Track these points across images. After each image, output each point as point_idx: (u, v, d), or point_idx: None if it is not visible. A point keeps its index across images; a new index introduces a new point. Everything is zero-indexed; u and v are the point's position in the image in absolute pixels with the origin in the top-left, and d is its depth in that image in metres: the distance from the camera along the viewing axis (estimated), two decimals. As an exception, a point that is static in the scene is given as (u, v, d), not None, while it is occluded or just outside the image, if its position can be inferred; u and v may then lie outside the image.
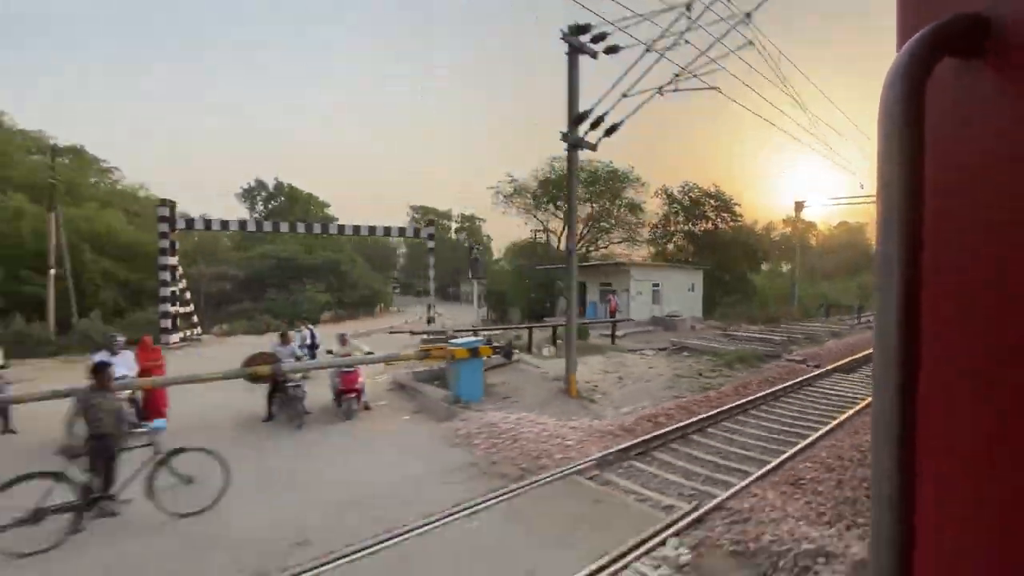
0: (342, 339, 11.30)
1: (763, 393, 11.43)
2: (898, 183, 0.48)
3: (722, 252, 36.57)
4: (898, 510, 0.48)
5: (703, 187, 38.71)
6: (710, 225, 38.35)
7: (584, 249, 37.02)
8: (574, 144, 11.43)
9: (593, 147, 11.62)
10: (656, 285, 29.71)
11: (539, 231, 40.29)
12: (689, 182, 38.86)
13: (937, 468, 0.55)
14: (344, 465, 7.32)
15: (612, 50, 11.36)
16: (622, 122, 11.48)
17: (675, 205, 38.87)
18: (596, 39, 11.36)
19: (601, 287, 29.92)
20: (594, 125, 11.34)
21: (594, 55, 11.51)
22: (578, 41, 11.30)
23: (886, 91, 0.50)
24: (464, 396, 10.42)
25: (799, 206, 37.34)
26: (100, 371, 5.62)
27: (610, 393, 11.81)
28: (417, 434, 8.85)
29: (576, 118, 11.29)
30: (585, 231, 37.45)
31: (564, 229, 33.35)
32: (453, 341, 11.46)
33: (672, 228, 39.55)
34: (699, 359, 16.76)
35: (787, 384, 12.42)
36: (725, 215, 38.74)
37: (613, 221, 38.47)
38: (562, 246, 34.47)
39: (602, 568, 4.57)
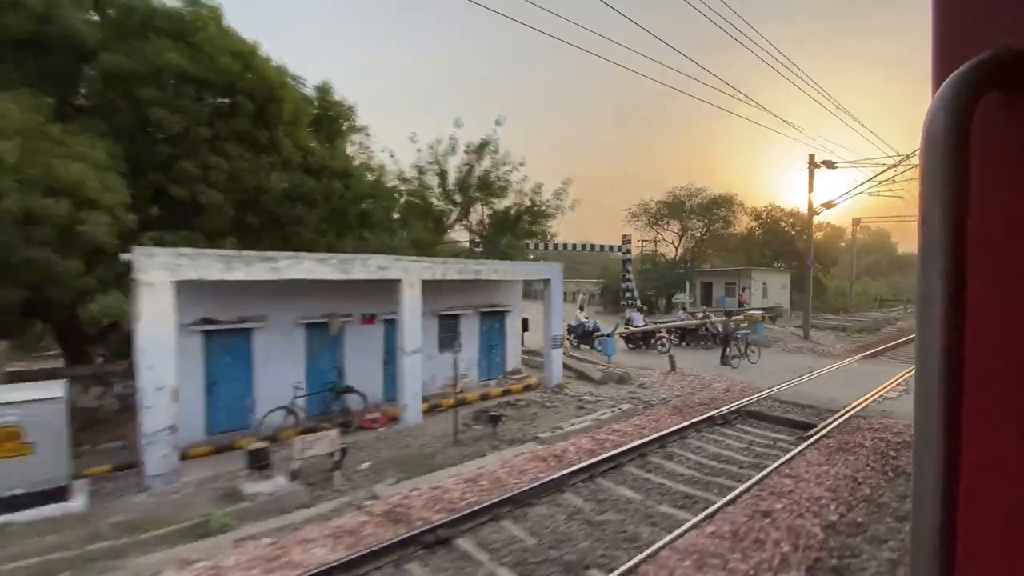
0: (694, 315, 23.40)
1: (901, 340, 23.57)
2: (941, 219, 0.47)
3: (800, 258, 48.38)
4: (941, 529, 0.47)
5: (783, 208, 50.50)
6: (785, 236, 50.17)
7: (694, 257, 48.84)
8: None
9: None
10: (764, 284, 41.61)
11: (649, 241, 52.05)
12: (772, 204, 50.68)
13: (981, 488, 0.55)
14: (775, 363, 19.35)
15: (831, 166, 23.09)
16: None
17: (760, 220, 50.65)
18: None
19: (726, 285, 41.86)
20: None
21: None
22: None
23: (929, 125, 0.49)
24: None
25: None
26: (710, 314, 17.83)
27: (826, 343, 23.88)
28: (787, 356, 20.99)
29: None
30: (694, 244, 49.24)
31: (681, 240, 45.58)
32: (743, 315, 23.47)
33: (757, 238, 51.36)
34: (830, 332, 28.74)
35: (909, 336, 24.51)
36: (798, 228, 50.51)
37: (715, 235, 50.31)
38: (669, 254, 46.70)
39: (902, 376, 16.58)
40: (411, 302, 11.36)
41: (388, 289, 11.51)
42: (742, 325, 21.62)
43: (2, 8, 9.40)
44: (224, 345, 10.40)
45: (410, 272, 11.40)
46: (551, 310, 14.72)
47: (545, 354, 14.80)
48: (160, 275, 8.14)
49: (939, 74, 0.56)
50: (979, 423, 0.54)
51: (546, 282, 14.81)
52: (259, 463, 7.93)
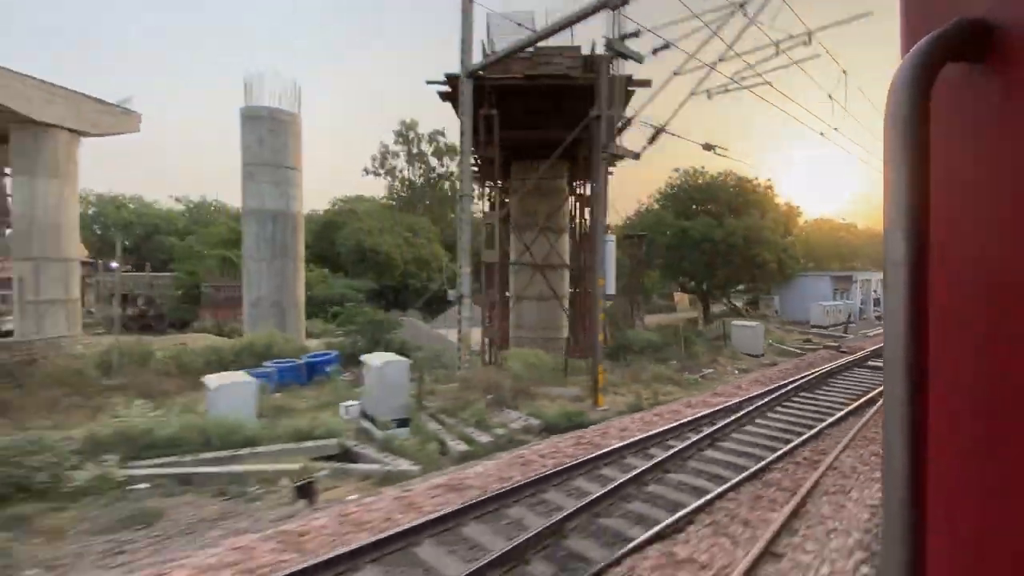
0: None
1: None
2: (904, 189, 0.49)
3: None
4: (910, 507, 0.48)
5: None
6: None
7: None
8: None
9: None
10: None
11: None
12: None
13: (948, 465, 0.56)
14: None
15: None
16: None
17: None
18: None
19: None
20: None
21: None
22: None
23: (892, 97, 0.50)
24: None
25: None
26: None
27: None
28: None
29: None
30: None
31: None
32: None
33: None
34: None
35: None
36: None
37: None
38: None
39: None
40: None
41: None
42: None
43: None
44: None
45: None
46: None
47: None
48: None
49: (906, 45, 0.57)
50: (946, 377, 0.55)
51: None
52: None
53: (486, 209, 19.00)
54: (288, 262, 21.99)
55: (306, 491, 6.37)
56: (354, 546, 5.10)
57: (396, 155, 56.79)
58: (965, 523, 0.56)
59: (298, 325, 22.16)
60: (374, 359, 10.43)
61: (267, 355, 15.85)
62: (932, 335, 0.49)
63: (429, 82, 15.64)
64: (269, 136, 21.33)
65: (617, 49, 10.50)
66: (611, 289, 15.24)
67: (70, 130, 23.02)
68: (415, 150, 56.01)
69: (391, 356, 10.80)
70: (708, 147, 13.54)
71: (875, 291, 34.97)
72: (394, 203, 54.39)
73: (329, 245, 40.62)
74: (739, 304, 35.99)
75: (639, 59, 11.28)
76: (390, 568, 5.01)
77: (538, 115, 15.39)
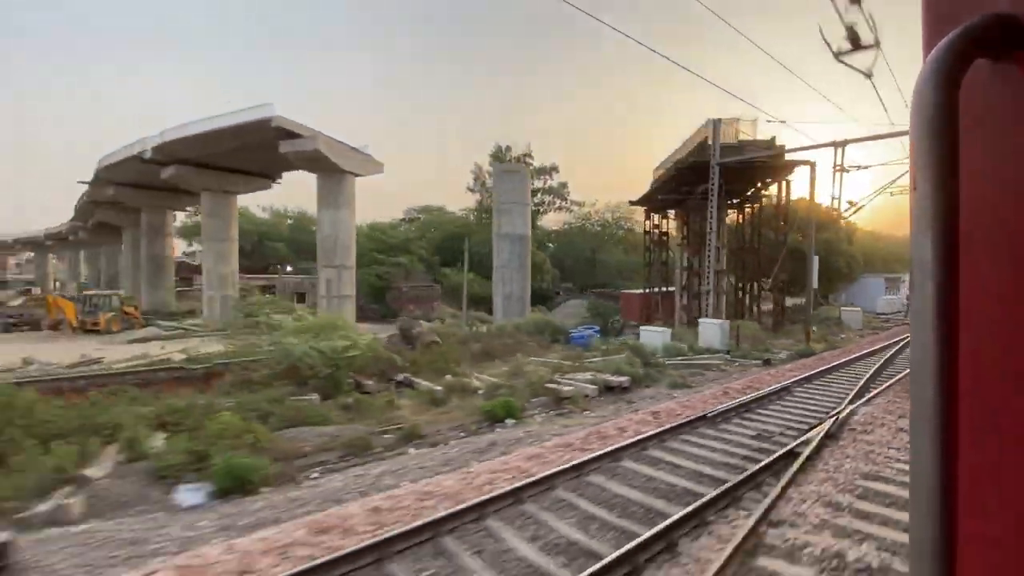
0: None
1: None
2: (932, 187, 0.48)
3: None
4: (938, 514, 0.46)
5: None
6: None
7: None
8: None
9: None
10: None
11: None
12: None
13: (978, 469, 0.53)
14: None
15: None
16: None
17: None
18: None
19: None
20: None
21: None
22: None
23: (919, 94, 0.49)
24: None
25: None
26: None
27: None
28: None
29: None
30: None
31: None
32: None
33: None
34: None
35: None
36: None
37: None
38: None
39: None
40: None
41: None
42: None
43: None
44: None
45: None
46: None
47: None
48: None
49: (929, 43, 0.56)
50: (974, 387, 0.53)
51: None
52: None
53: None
54: (524, 269, 31.38)
55: (768, 362, 15.76)
56: (794, 379, 14.36)
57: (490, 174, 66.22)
58: (997, 529, 0.54)
59: (527, 312, 31.44)
60: (708, 322, 19.95)
61: (550, 329, 25.03)
62: (962, 337, 0.48)
63: (632, 203, 25.24)
64: (518, 184, 30.82)
65: (844, 169, 19.99)
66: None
67: (354, 174, 32.33)
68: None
69: (715, 320, 20.29)
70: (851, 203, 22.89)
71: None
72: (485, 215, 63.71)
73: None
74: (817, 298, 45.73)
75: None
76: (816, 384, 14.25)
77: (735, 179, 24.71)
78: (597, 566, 4.35)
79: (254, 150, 32.14)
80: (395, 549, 4.84)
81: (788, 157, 23.28)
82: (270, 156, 32.47)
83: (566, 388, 12.39)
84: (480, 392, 12.74)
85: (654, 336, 19.27)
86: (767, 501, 5.59)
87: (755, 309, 27.98)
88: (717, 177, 22.55)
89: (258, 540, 5.09)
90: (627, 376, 13.63)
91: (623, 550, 4.57)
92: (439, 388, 12.96)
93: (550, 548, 4.97)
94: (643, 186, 33.49)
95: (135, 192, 40.69)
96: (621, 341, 20.51)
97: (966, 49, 0.49)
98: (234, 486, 7.35)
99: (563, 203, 66.76)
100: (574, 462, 6.91)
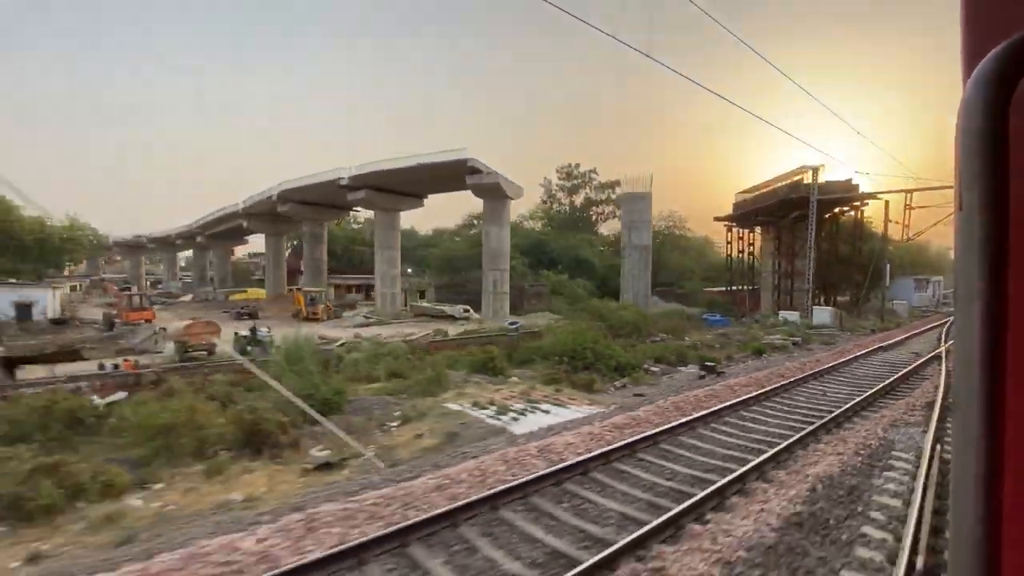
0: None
1: None
2: (980, 206, 0.47)
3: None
4: (983, 522, 0.47)
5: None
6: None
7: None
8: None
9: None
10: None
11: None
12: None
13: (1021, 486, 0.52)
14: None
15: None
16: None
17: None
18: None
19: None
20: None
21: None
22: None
23: (964, 112, 0.48)
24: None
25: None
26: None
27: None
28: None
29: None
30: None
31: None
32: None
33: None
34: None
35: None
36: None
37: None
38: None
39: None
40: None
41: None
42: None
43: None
44: None
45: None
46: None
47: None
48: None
49: (970, 61, 0.54)
50: (1020, 403, 0.50)
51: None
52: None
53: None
54: (647, 272, 40.85)
55: (874, 331, 25.18)
56: (901, 338, 23.77)
57: (561, 187, 75.52)
58: None
59: (649, 306, 40.87)
60: (821, 310, 29.37)
61: (684, 315, 34.37)
62: (1009, 362, 0.47)
63: (717, 218, 34.72)
64: (643, 206, 40.32)
65: (911, 207, 29.44)
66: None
67: (510, 199, 41.68)
68: (574, 183, 74.68)
69: (825, 307, 29.72)
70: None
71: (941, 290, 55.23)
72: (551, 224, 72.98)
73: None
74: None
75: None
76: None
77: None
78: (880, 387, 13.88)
79: (428, 180, 41.55)
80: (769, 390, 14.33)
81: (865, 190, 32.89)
82: (435, 183, 42.01)
83: (778, 341, 21.80)
84: (718, 346, 22.08)
85: (791, 317, 28.72)
86: (943, 367, 15.02)
87: (834, 301, 37.41)
88: (815, 209, 31.96)
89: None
90: (799, 338, 23.04)
91: (875, 389, 14.06)
92: (692, 340, 22.33)
93: (839, 385, 14.40)
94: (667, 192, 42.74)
95: (304, 207, 50.00)
96: (754, 321, 29.90)
97: (1009, 68, 0.48)
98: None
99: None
100: (841, 360, 16.38)
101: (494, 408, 11.49)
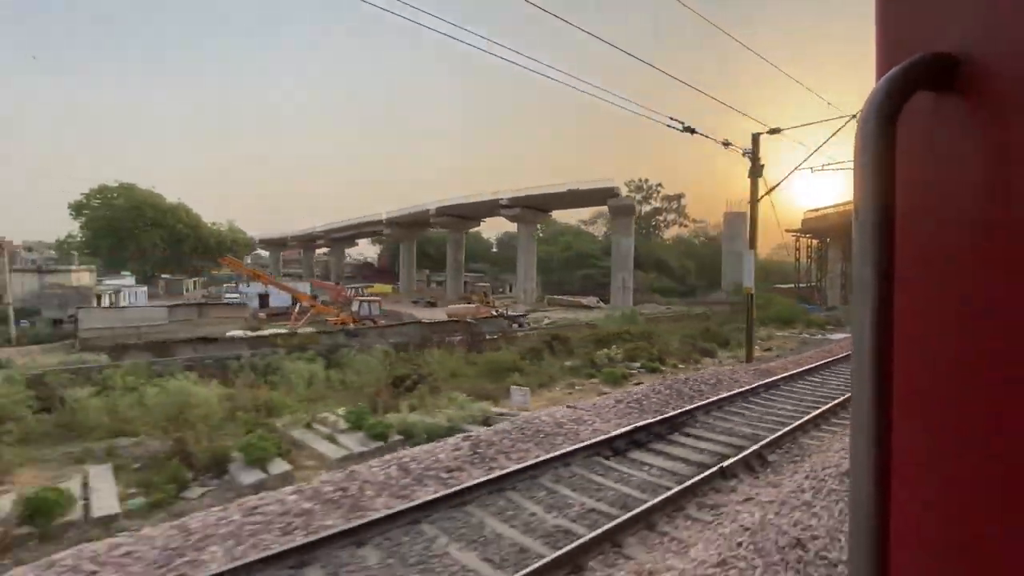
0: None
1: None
2: (872, 212, 0.51)
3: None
4: (875, 511, 0.50)
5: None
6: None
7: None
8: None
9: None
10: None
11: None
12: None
13: (913, 471, 0.58)
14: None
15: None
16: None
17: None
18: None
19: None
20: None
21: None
22: None
23: (861, 124, 0.53)
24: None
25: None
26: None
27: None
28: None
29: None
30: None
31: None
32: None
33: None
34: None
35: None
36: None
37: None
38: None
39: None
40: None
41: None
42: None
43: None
44: None
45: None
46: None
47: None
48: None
49: (879, 76, 0.58)
50: (908, 409, 0.56)
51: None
52: None
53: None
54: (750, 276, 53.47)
55: None
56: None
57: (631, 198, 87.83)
58: (929, 533, 0.58)
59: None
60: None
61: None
62: (896, 354, 0.52)
63: (788, 230, 46.94)
64: (742, 222, 52.81)
65: None
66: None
67: (634, 214, 54.18)
68: (644, 195, 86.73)
69: None
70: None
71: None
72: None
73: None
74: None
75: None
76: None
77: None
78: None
79: (571, 200, 54.14)
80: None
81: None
82: (575, 202, 54.73)
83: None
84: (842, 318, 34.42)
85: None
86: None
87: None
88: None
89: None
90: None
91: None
92: (816, 318, 34.81)
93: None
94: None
95: (452, 220, 62.57)
96: (837, 307, 42.17)
97: (909, 83, 0.52)
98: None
99: (684, 220, 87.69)
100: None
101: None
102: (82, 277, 41.43)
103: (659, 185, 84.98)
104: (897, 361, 0.52)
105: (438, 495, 5.78)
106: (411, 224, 68.90)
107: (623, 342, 19.22)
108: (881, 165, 0.51)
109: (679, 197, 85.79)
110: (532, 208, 56.08)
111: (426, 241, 79.26)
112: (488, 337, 22.87)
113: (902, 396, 0.54)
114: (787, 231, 59.83)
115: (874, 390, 0.51)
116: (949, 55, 0.53)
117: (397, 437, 8.69)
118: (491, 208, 57.18)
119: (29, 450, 8.47)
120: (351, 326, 27.32)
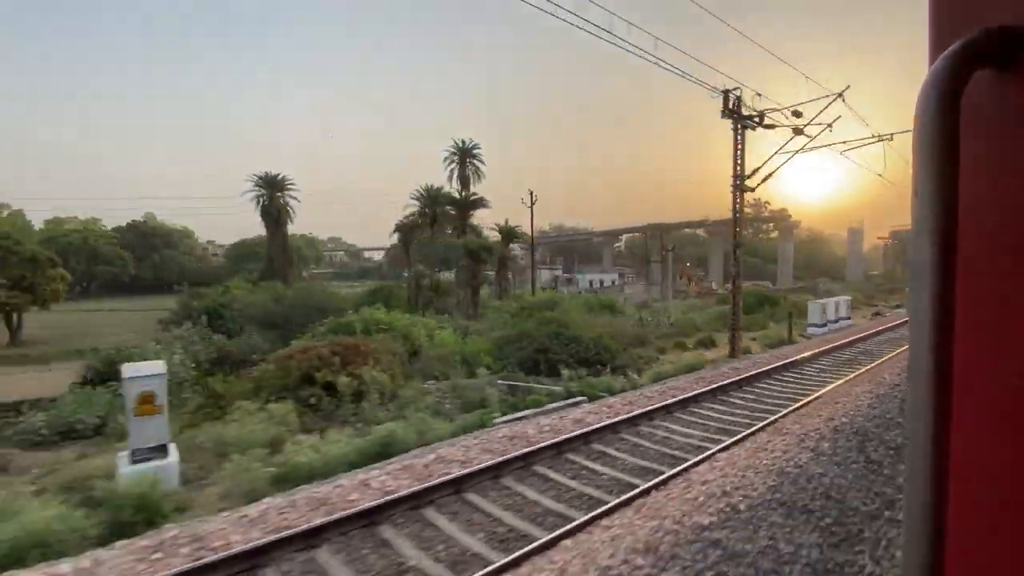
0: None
1: None
2: (932, 193, 0.49)
3: None
4: (931, 517, 0.48)
5: None
6: None
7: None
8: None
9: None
10: None
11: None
12: None
13: (970, 474, 0.55)
14: None
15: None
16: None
17: None
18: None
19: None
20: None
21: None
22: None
23: (921, 104, 0.50)
24: None
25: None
26: None
27: None
28: None
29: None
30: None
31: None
32: None
33: None
34: None
35: None
36: None
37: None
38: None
39: None
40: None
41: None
42: None
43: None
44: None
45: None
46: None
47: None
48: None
49: (934, 53, 0.56)
50: (968, 393, 0.54)
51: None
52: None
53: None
54: (860, 271, 77.36)
55: None
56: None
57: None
58: (985, 527, 0.56)
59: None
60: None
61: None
62: (957, 340, 0.49)
63: (880, 237, 68.22)
64: (858, 237, 76.85)
65: None
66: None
67: (792, 225, 79.81)
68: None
69: None
70: None
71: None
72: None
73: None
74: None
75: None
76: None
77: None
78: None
79: (751, 220, 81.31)
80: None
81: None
82: (751, 220, 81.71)
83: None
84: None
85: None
86: None
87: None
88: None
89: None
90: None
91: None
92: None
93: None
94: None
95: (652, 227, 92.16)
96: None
97: (967, 61, 0.50)
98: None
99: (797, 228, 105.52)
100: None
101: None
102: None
103: (767, 202, 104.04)
104: (958, 351, 0.49)
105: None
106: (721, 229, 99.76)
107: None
108: (944, 147, 0.49)
109: (784, 210, 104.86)
110: (719, 223, 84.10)
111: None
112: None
113: (962, 387, 0.51)
114: (879, 237, 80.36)
115: (933, 383, 0.48)
116: (1013, 28, 0.51)
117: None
118: (699, 225, 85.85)
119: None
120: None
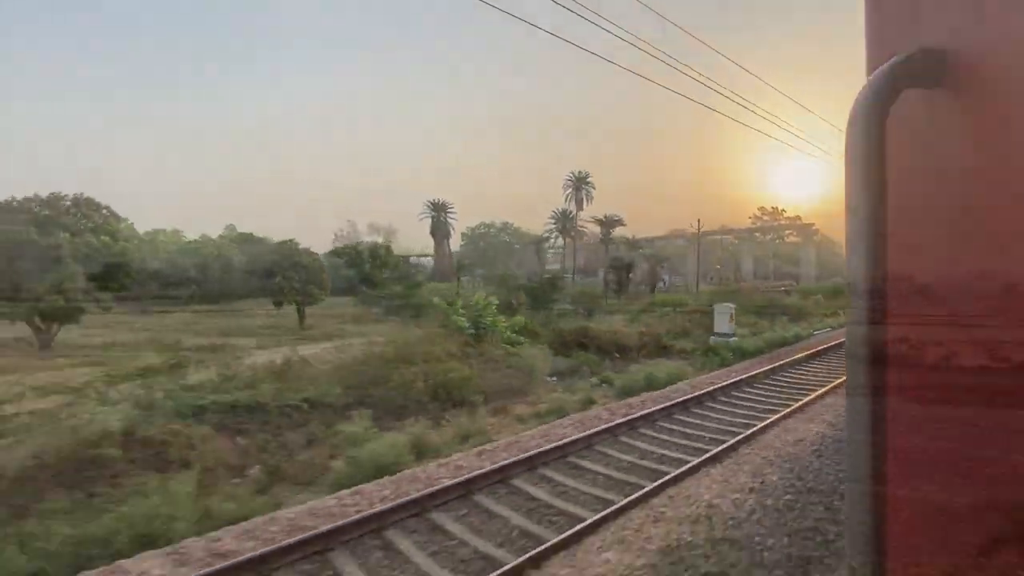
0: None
1: None
2: (863, 207, 0.52)
3: None
4: (870, 481, 0.52)
5: None
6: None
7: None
8: None
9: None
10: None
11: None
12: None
13: (907, 467, 0.58)
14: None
15: None
16: None
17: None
18: None
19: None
20: None
21: None
22: None
23: (851, 122, 0.53)
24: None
25: None
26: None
27: None
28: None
29: None
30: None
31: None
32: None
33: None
34: None
35: None
36: None
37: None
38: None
39: None
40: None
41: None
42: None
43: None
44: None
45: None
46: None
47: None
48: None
49: (869, 70, 0.59)
50: (900, 391, 0.57)
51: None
52: None
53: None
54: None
55: None
56: None
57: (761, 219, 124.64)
58: (920, 492, 0.58)
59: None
60: None
61: None
62: (889, 338, 0.53)
63: None
64: None
65: None
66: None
67: (814, 232, 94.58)
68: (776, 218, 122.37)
69: None
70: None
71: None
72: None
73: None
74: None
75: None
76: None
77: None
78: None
79: (777, 228, 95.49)
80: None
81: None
82: (777, 229, 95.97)
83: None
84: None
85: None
86: None
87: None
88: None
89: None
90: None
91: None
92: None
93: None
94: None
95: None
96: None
97: (898, 79, 0.53)
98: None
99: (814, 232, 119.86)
100: None
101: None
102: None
103: (783, 210, 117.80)
104: (890, 344, 0.53)
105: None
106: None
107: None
108: (871, 161, 0.53)
109: (798, 217, 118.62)
110: (749, 230, 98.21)
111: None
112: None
113: (895, 377, 0.55)
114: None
115: (867, 372, 0.52)
116: (937, 50, 0.54)
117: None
118: (729, 232, 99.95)
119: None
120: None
